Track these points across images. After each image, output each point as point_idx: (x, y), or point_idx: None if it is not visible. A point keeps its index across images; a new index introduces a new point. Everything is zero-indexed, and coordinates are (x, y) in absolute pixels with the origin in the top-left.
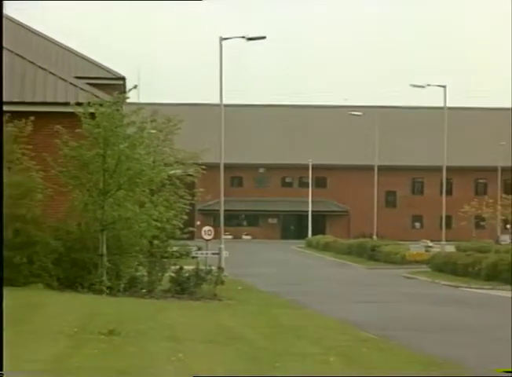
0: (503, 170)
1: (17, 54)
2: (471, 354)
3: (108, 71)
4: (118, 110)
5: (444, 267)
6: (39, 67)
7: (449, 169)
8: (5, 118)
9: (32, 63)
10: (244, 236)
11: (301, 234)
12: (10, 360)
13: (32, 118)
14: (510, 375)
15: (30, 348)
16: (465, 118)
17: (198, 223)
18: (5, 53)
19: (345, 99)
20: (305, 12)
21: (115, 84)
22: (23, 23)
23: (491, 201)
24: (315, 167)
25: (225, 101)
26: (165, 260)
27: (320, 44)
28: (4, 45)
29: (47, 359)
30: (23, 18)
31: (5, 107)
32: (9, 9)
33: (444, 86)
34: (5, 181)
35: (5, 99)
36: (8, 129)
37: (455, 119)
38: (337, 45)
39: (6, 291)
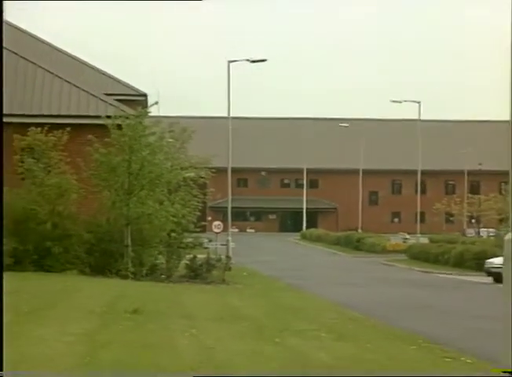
0: (469, 173)
1: (56, 75)
2: (441, 328)
3: (133, 88)
4: (141, 122)
5: (418, 256)
6: (74, 85)
7: (423, 172)
8: (46, 129)
9: (68, 82)
10: (248, 230)
11: (296, 228)
12: (54, 333)
13: (68, 129)
14: (509, 375)
15: (67, 324)
16: (436, 129)
17: (209, 218)
18: (46, 74)
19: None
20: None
21: (138, 100)
22: (60, 49)
23: (458, 200)
24: (309, 171)
25: (232, 114)
26: (181, 250)
27: (315, 63)
28: (45, 67)
29: (82, 333)
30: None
31: (45, 120)
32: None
33: (418, 102)
34: (45, 182)
35: (45, 113)
36: (48, 138)
37: (428, 130)
38: (329, 64)
39: (47, 276)
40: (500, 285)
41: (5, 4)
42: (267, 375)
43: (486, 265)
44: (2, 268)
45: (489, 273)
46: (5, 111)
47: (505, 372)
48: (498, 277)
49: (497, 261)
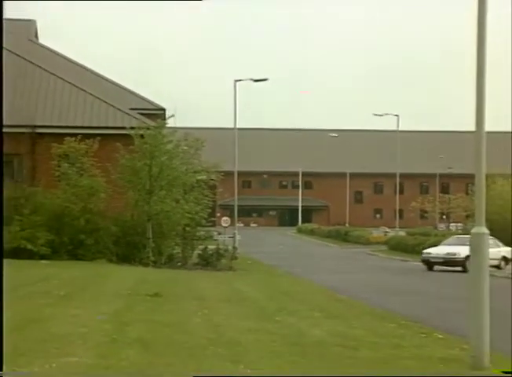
0: (441, 176)
1: (89, 92)
2: (417, 308)
3: (153, 104)
4: (160, 132)
5: (397, 247)
6: (103, 101)
7: (401, 175)
8: (79, 138)
9: (99, 98)
10: (252, 224)
11: (293, 222)
12: (86, 313)
13: (98, 138)
14: (509, 375)
15: (97, 305)
16: (413, 138)
17: (218, 214)
18: (80, 91)
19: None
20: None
21: (157, 113)
22: (93, 70)
23: (431, 199)
24: (304, 174)
25: (238, 126)
26: (194, 241)
27: (309, 82)
28: (79, 85)
29: (111, 312)
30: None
31: (79, 131)
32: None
33: (397, 115)
34: (78, 183)
35: (78, 124)
36: (81, 146)
37: (406, 139)
38: (319, 85)
39: (80, 264)
40: (438, 272)
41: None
42: (266, 375)
43: (423, 255)
44: (2, 268)
45: (424, 261)
46: (44, 123)
47: (506, 372)
48: (430, 265)
49: (433, 251)
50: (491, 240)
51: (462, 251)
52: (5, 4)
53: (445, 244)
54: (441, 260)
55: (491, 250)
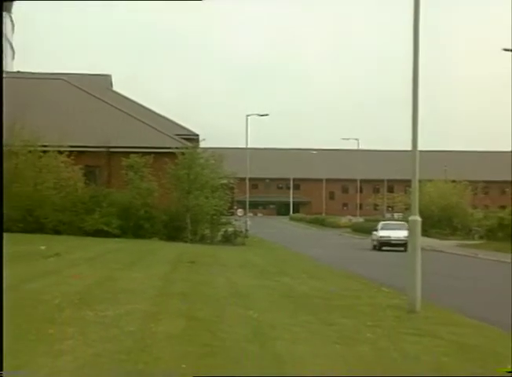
0: (387, 180)
1: (146, 123)
2: (370, 271)
3: (190, 131)
4: (195, 151)
5: (358, 229)
6: (156, 129)
7: (361, 180)
8: (140, 155)
9: (153, 127)
10: (258, 214)
11: (287, 213)
12: (143, 275)
13: (153, 155)
14: (510, 375)
15: (151, 270)
16: (368, 155)
17: (235, 207)
18: (140, 123)
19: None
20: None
21: (193, 138)
22: (149, 108)
23: (381, 196)
24: (294, 179)
25: (249, 146)
26: (219, 226)
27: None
28: (140, 118)
29: (160, 273)
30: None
31: (140, 150)
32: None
33: (357, 139)
34: (140, 186)
35: (140, 145)
36: (142, 160)
37: (363, 155)
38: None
39: (140, 241)
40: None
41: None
42: (265, 375)
43: (383, 238)
44: (2, 265)
45: (383, 243)
46: (116, 145)
47: (506, 372)
48: (383, 246)
49: (391, 234)
50: (404, 226)
51: None
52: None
53: (381, 229)
54: (403, 242)
55: (402, 232)
